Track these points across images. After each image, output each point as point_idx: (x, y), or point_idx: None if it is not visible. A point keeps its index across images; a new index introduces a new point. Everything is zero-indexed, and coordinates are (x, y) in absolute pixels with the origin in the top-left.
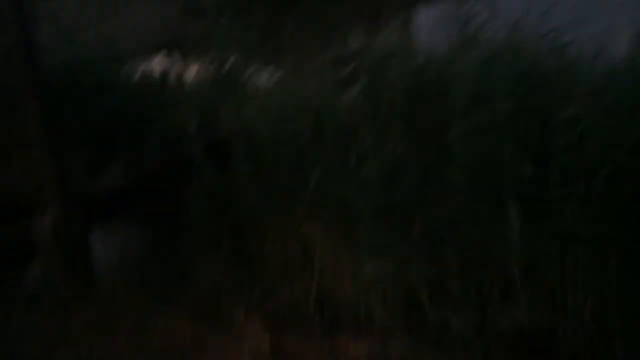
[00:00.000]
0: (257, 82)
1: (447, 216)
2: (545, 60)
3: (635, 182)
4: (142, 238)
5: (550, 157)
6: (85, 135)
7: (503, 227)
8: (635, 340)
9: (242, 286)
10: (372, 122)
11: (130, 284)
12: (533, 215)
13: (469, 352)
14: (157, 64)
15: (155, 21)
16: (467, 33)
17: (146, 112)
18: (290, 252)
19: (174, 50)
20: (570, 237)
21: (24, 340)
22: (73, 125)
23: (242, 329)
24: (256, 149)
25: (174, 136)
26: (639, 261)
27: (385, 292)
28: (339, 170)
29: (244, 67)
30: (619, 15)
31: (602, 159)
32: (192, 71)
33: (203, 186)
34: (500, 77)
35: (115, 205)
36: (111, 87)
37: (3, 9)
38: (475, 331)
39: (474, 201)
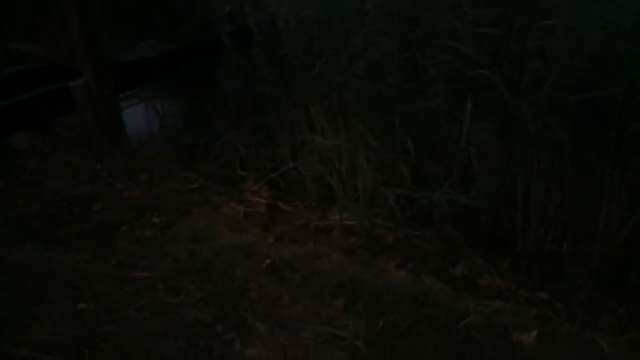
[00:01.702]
0: None
1: (422, 111)
2: None
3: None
4: (174, 107)
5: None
6: (126, 12)
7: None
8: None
9: (257, 159)
10: (362, 20)
11: (157, 144)
12: (496, 116)
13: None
14: None
15: None
16: None
17: None
18: (299, 133)
19: None
20: (533, 141)
21: (58, 175)
22: (115, 3)
23: (247, 191)
24: (274, 38)
25: (207, 20)
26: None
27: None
28: (337, 63)
29: None
30: None
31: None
32: None
33: (230, 67)
34: None
35: (147, 75)
36: None
37: None
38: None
39: (445, 98)
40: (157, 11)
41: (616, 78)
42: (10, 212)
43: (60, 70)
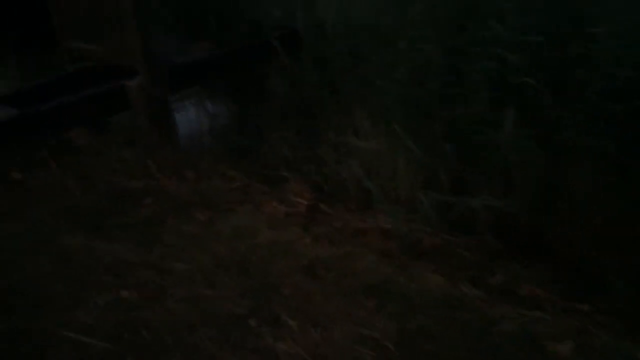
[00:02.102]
0: None
1: (464, 117)
2: None
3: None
4: (223, 108)
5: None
6: (180, 16)
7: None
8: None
9: (302, 161)
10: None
11: (205, 143)
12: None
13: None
14: None
15: None
16: None
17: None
18: (343, 137)
19: None
20: (574, 149)
21: (111, 170)
22: (169, 7)
23: (289, 192)
24: (322, 42)
25: (257, 24)
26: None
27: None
28: (380, 68)
29: None
30: None
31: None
32: None
33: (278, 70)
34: None
35: (198, 76)
36: None
37: None
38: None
39: (487, 106)
40: (210, 15)
41: None
42: (64, 202)
43: (118, 70)
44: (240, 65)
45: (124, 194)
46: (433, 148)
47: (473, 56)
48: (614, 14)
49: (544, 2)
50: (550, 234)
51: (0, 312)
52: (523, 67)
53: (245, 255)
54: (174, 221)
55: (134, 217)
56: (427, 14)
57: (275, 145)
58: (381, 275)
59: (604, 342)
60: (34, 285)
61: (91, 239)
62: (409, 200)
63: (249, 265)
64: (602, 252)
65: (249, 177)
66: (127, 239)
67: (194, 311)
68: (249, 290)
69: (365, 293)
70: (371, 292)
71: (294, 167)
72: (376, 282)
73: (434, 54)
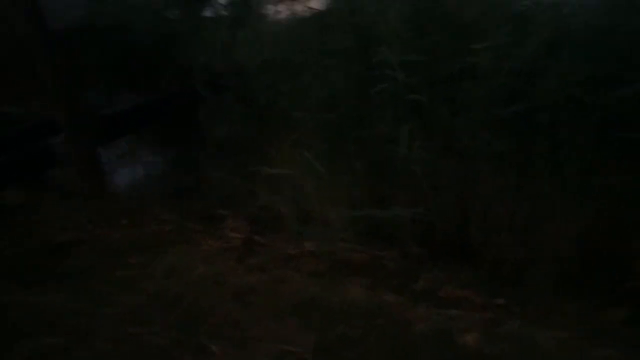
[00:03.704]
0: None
1: (371, 136)
2: None
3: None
4: (156, 154)
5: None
6: (105, 68)
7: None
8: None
9: (237, 197)
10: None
11: (140, 189)
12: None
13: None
14: None
15: None
16: None
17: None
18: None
19: None
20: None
21: (44, 225)
22: (94, 60)
23: (226, 228)
24: (244, 81)
25: (183, 70)
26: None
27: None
28: (295, 100)
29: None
30: None
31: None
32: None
33: (207, 112)
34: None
35: (127, 126)
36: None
37: None
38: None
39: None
40: (135, 65)
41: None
42: None
43: (46, 127)
44: (168, 111)
45: (57, 247)
46: (346, 168)
47: (371, 80)
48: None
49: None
50: (468, 238)
51: None
52: (415, 86)
53: (176, 292)
54: (106, 268)
55: (66, 268)
56: (328, 46)
57: (210, 184)
58: (307, 294)
59: (509, 329)
60: None
61: (19, 293)
62: (334, 221)
63: (181, 300)
64: (515, 250)
65: (185, 218)
66: (57, 290)
67: (120, 349)
68: (176, 324)
69: (290, 312)
70: (296, 310)
71: (230, 204)
72: (302, 301)
73: (338, 81)
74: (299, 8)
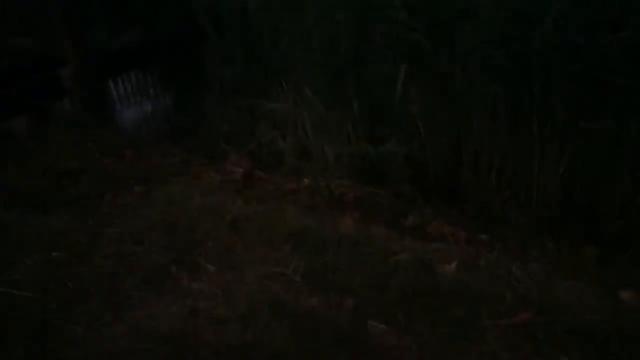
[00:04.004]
0: None
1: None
2: None
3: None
4: (163, 90)
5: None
6: (112, 4)
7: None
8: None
9: (240, 134)
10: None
11: (146, 124)
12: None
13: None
14: None
15: None
16: None
17: None
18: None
19: None
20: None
21: (51, 153)
22: None
23: (228, 162)
24: (244, 22)
25: (187, 8)
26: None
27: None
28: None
29: None
30: None
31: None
32: None
33: (210, 51)
34: None
35: (132, 61)
36: None
37: None
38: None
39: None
40: (141, 2)
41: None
42: (4, 185)
43: (54, 60)
44: (173, 48)
45: (63, 174)
46: (344, 107)
47: (374, 20)
48: None
49: None
50: (458, 179)
51: None
52: (415, 26)
53: (175, 218)
54: (110, 195)
55: (72, 194)
56: None
57: (215, 121)
58: (301, 225)
59: (487, 260)
60: None
61: (27, 213)
62: (331, 158)
63: (178, 226)
64: (502, 191)
65: (188, 153)
66: (63, 213)
67: (119, 264)
68: (173, 245)
69: (283, 240)
70: (289, 239)
71: (233, 141)
72: (295, 231)
73: (341, 21)
74: None
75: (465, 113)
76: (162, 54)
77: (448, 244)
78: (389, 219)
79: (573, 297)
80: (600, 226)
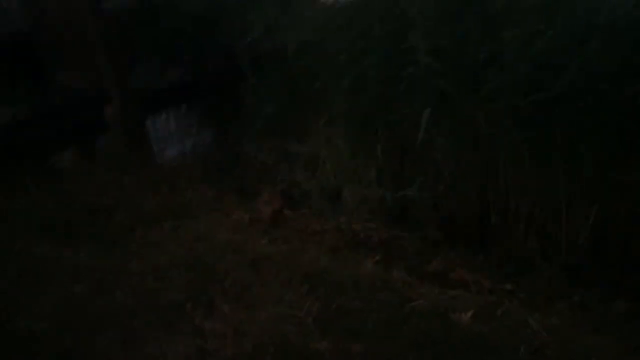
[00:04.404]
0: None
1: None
2: None
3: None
4: (200, 128)
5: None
6: (154, 44)
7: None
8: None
9: (272, 172)
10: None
11: (183, 160)
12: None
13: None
14: None
15: None
16: None
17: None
18: (301, 147)
19: None
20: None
21: (89, 188)
22: (144, 37)
23: (259, 201)
24: (282, 64)
25: (228, 50)
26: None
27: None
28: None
29: None
30: None
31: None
32: None
33: (249, 91)
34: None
35: (173, 100)
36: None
37: None
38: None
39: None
40: (185, 43)
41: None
42: (41, 218)
43: (98, 97)
44: (214, 87)
45: (98, 209)
46: (372, 150)
47: (400, 65)
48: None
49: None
50: (486, 225)
51: None
52: (441, 71)
53: (199, 255)
54: (141, 230)
55: (103, 229)
56: (363, 32)
57: (249, 160)
58: (321, 266)
59: (505, 310)
60: None
61: (58, 247)
62: (358, 200)
63: (200, 263)
64: (530, 239)
65: (222, 190)
66: (92, 247)
67: (138, 300)
68: (192, 283)
69: (300, 280)
70: (306, 280)
71: (266, 180)
72: (314, 272)
73: (369, 65)
74: None
75: (491, 159)
76: (204, 93)
77: (469, 292)
78: (412, 263)
79: (593, 353)
80: (631, 280)
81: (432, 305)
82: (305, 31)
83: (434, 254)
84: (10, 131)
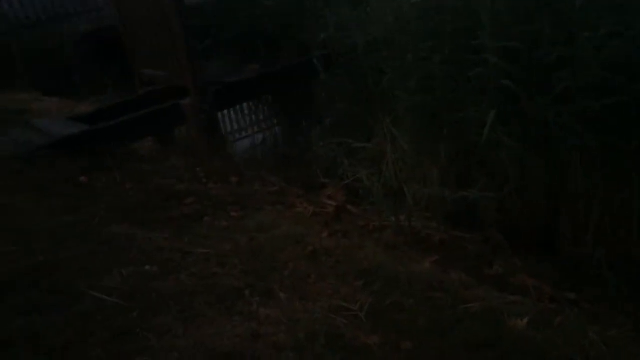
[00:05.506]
0: None
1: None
2: None
3: None
4: (271, 122)
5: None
6: (234, 42)
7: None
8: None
9: (339, 168)
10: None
11: (253, 152)
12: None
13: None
14: None
15: None
16: None
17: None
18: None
19: None
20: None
21: (164, 175)
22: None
23: (323, 195)
24: (352, 61)
25: (301, 46)
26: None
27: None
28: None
29: None
30: None
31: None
32: None
33: (320, 86)
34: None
35: (246, 94)
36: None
37: None
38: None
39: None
40: (259, 39)
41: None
42: (117, 201)
43: (177, 91)
44: (284, 83)
45: (171, 195)
46: (436, 149)
47: (469, 63)
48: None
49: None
50: (553, 232)
51: (44, 278)
52: (511, 72)
53: (261, 245)
54: (209, 217)
55: (176, 213)
56: (429, 30)
57: (316, 154)
58: (377, 262)
59: (564, 319)
60: (76, 260)
61: (134, 229)
62: (421, 199)
63: (261, 252)
64: (600, 248)
65: (289, 183)
66: (164, 230)
67: (200, 283)
68: (252, 270)
69: (357, 275)
70: (362, 275)
71: (331, 175)
72: (370, 267)
73: (437, 64)
74: None
75: (560, 163)
76: (277, 88)
77: (528, 298)
78: (471, 265)
79: None
80: None
81: (488, 309)
82: (375, 29)
83: (495, 257)
84: (99, 118)
